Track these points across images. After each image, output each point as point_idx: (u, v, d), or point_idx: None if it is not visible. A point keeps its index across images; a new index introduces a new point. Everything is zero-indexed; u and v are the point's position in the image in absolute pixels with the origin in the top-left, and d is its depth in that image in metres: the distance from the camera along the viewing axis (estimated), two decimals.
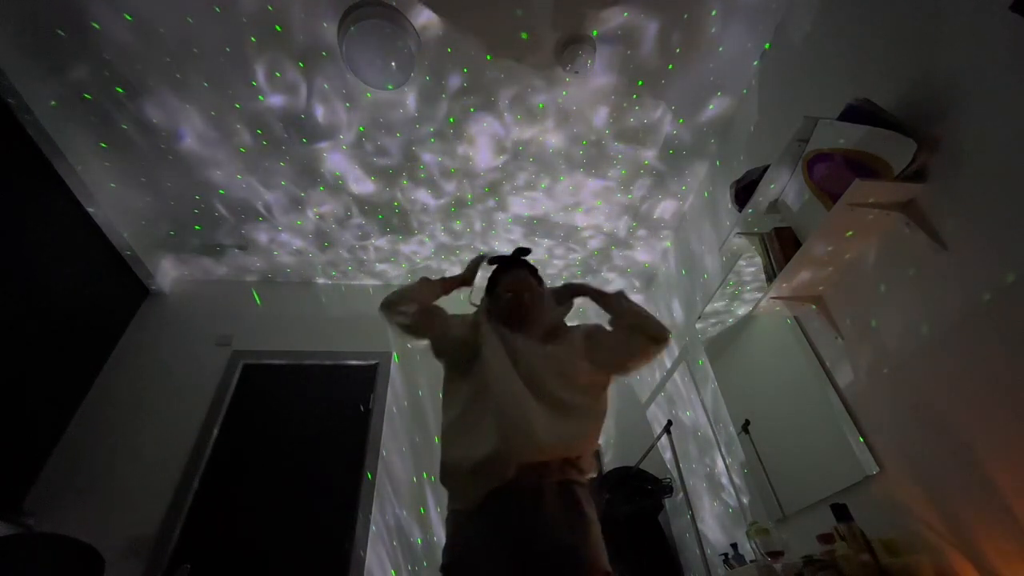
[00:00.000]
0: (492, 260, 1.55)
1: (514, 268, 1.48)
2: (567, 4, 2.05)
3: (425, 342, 1.40)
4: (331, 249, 3.25)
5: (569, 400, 1.22)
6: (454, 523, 1.15)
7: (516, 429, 1.12)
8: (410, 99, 2.38)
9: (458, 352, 1.36)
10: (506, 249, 3.28)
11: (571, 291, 1.55)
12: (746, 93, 2.45)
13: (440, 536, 2.65)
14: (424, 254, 3.35)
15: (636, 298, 3.86)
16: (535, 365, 1.26)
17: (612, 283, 3.70)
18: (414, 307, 1.39)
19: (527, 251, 1.54)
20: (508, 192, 2.91)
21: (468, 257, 3.32)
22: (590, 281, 3.63)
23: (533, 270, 1.51)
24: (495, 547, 1.05)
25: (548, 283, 1.56)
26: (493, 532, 1.07)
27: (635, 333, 1.36)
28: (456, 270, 3.42)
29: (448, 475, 1.18)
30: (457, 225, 3.12)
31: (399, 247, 3.28)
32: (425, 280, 1.50)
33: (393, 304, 1.39)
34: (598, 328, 1.43)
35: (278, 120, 2.42)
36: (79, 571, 1.86)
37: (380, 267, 3.44)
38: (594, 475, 1.26)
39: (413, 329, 1.39)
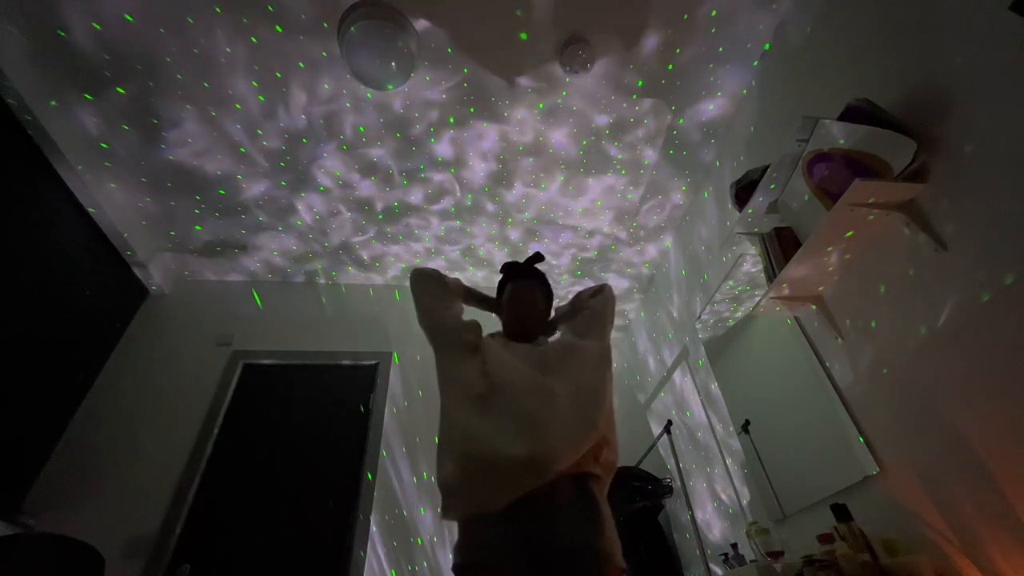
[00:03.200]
0: (505, 267, 1.55)
1: (523, 278, 1.49)
2: (567, 4, 2.05)
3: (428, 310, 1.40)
4: (331, 249, 3.25)
5: (573, 389, 1.19)
6: (466, 522, 1.12)
7: (545, 437, 1.07)
8: (410, 99, 2.38)
9: (455, 332, 1.36)
10: (507, 249, 3.29)
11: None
12: (746, 93, 2.45)
13: (440, 536, 2.65)
14: (424, 254, 3.35)
15: (636, 298, 3.81)
16: (539, 365, 1.25)
17: (611, 283, 3.70)
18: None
19: (540, 259, 1.54)
20: (508, 192, 2.91)
21: (468, 257, 3.37)
22: (588, 283, 3.64)
23: (543, 281, 1.51)
24: (511, 545, 1.03)
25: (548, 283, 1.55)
26: (509, 531, 1.05)
27: (590, 297, 1.44)
28: (455, 270, 3.46)
29: (466, 480, 1.11)
30: (457, 225, 3.13)
31: (399, 247, 3.28)
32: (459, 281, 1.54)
33: (424, 270, 1.47)
34: (573, 323, 1.45)
35: (278, 120, 2.42)
36: (79, 571, 1.86)
37: (380, 267, 3.44)
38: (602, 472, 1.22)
39: (430, 276, 1.44)
